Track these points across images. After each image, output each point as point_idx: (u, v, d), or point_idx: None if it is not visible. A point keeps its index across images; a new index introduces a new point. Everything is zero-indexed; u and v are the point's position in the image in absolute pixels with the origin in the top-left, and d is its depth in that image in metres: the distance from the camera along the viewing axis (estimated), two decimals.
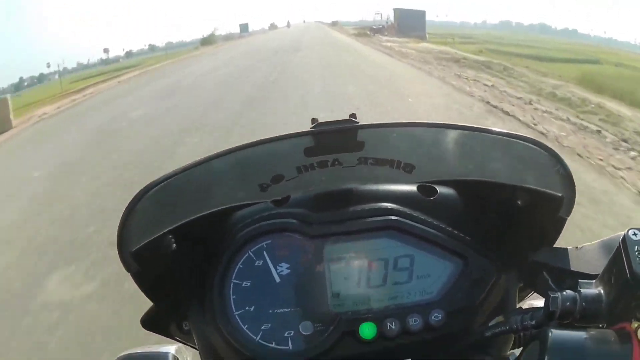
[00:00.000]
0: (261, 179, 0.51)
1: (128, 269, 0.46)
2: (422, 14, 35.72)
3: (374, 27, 35.31)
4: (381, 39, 23.20)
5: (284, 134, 0.49)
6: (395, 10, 37.27)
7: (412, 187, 0.50)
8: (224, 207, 0.50)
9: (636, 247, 0.36)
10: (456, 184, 0.51)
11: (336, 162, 0.51)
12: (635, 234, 0.36)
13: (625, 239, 0.36)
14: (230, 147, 0.48)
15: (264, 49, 19.52)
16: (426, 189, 0.50)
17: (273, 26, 76.55)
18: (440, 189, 0.50)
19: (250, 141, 0.48)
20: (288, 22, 75.30)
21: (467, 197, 0.50)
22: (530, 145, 0.47)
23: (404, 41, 20.66)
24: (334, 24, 64.17)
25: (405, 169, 0.51)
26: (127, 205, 0.46)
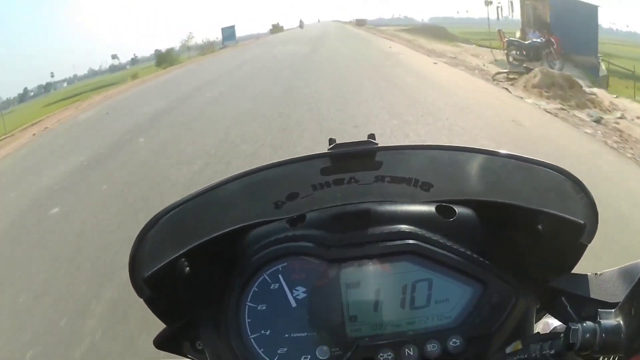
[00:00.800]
0: (276, 197, 0.51)
1: (141, 295, 0.46)
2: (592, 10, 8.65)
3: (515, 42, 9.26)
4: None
5: (300, 156, 0.49)
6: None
7: (431, 208, 0.50)
8: (238, 226, 0.50)
9: None
10: (475, 205, 0.50)
11: (352, 180, 0.51)
12: None
13: None
14: (246, 169, 0.49)
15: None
16: (445, 210, 0.50)
17: (277, 28, 50.66)
18: (459, 210, 0.50)
19: (265, 164, 0.49)
20: (301, 21, 51.98)
21: (487, 219, 0.50)
22: (554, 172, 0.47)
23: None
24: (360, 23, 38.75)
25: (423, 187, 0.51)
26: (139, 232, 0.46)
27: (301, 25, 50.57)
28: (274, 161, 0.49)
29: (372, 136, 0.49)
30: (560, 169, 0.46)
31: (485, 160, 0.49)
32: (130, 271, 0.46)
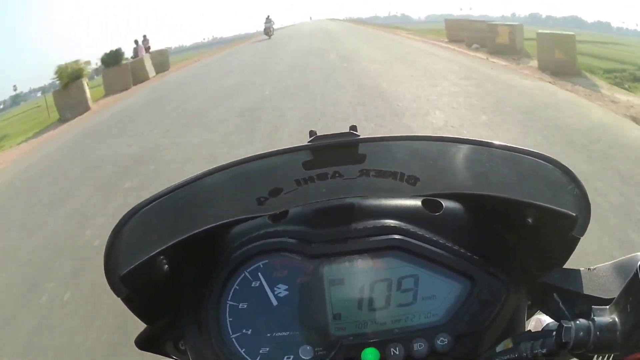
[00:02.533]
0: (258, 193, 0.50)
1: (118, 294, 0.45)
2: None
3: None
4: None
5: (280, 148, 0.48)
6: None
7: (417, 202, 0.49)
8: (219, 223, 0.49)
9: None
10: (462, 198, 0.49)
11: (337, 175, 0.50)
12: None
13: None
14: (225, 162, 0.48)
15: None
16: (431, 204, 0.49)
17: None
18: (446, 204, 0.49)
19: (244, 157, 0.48)
20: (267, 24, 23.03)
21: (475, 213, 0.49)
22: (543, 162, 0.45)
23: None
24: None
25: (409, 181, 0.50)
26: (113, 228, 0.45)
27: (268, 30, 23.58)
28: (254, 154, 0.48)
29: (353, 128, 0.48)
30: (549, 159, 0.45)
31: (472, 151, 0.48)
32: (106, 268, 0.45)
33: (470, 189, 0.49)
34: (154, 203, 0.46)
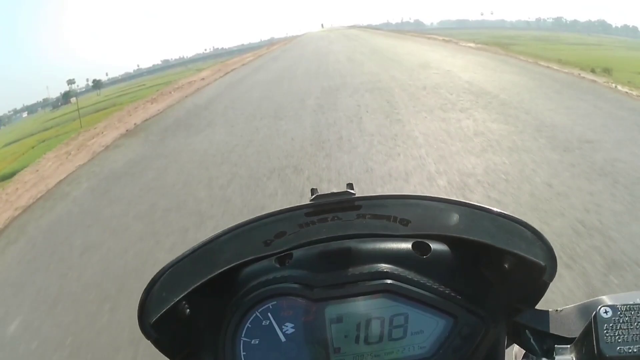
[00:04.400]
0: (265, 237, 0.58)
1: (148, 338, 0.54)
2: None
3: None
4: None
5: (286, 207, 0.57)
6: None
7: (408, 245, 0.56)
8: (232, 265, 0.56)
9: (605, 325, 0.42)
10: (449, 241, 0.56)
11: (336, 218, 0.57)
12: (606, 312, 0.42)
13: (596, 316, 0.42)
14: (236, 223, 0.57)
15: None
16: (421, 247, 0.55)
17: None
18: (434, 246, 0.55)
19: (252, 217, 0.57)
20: None
21: (459, 255, 0.56)
22: (515, 223, 0.53)
23: None
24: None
25: (402, 222, 0.57)
26: (145, 288, 0.54)
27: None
28: (262, 214, 0.57)
29: (350, 186, 0.56)
30: (520, 221, 0.53)
31: (459, 208, 0.56)
32: (139, 318, 0.54)
33: (457, 232, 0.56)
34: (177, 264, 0.55)
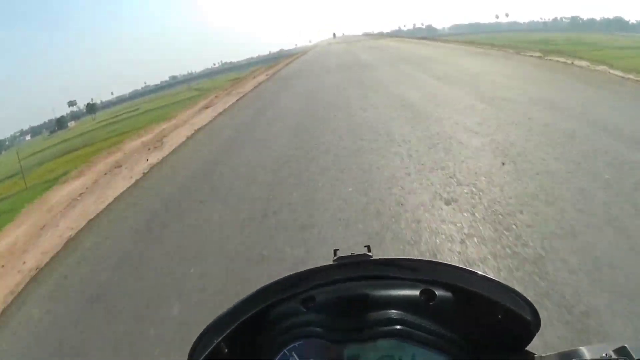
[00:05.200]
0: (292, 280, 0.69)
1: None
2: None
3: None
4: None
5: (311, 268, 0.68)
6: None
7: (415, 292, 0.65)
8: (262, 306, 0.67)
9: None
10: (452, 289, 0.65)
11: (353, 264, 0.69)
12: None
13: None
14: (272, 280, 0.68)
15: None
16: (427, 294, 0.65)
17: None
18: (439, 293, 0.65)
19: (279, 278, 0.68)
20: None
21: (461, 302, 0.64)
22: (503, 288, 0.63)
23: None
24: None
25: (410, 268, 0.68)
26: (195, 340, 0.65)
27: None
28: (287, 275, 0.68)
29: (368, 248, 0.69)
30: (508, 288, 0.63)
31: (463, 273, 0.66)
32: (189, 359, 0.65)
33: (460, 282, 0.65)
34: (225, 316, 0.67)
